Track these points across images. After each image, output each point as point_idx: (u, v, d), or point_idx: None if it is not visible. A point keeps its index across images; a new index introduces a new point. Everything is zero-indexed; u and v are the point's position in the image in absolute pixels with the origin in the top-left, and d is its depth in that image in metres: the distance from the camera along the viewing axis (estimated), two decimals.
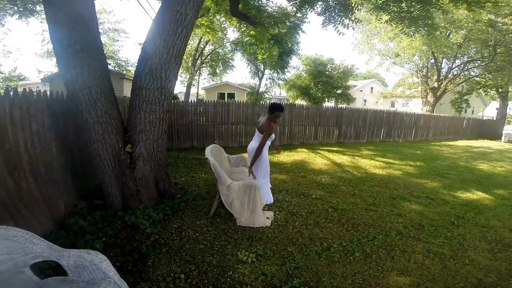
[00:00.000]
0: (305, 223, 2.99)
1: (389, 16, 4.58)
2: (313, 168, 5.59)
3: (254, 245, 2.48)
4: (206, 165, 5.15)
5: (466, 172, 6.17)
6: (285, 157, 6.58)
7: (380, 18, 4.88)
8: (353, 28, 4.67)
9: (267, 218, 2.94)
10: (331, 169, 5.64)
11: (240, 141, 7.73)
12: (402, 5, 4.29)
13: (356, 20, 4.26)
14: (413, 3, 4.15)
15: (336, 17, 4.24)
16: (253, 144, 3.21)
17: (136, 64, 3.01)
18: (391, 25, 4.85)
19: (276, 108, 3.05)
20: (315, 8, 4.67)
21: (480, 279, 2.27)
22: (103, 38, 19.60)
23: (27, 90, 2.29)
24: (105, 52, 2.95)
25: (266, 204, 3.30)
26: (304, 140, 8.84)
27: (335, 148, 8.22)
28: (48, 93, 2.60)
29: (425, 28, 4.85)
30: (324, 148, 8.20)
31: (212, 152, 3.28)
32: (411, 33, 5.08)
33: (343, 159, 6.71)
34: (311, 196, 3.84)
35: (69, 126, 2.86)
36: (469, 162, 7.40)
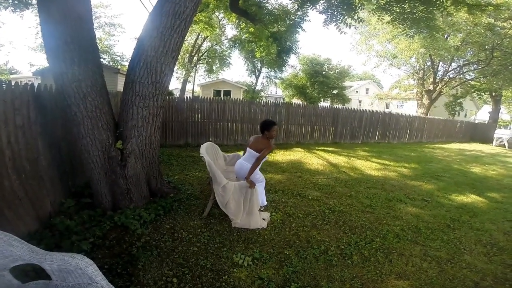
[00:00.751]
0: (302, 225, 2.93)
1: (391, 17, 4.53)
2: (309, 168, 5.54)
3: (250, 247, 2.40)
4: (201, 163, 5.04)
5: (459, 175, 6.23)
6: (281, 156, 6.52)
7: (382, 19, 4.83)
8: (355, 28, 4.59)
9: (263, 219, 2.87)
10: (327, 169, 5.60)
11: (236, 139, 7.64)
12: (405, 6, 4.24)
13: (359, 19, 4.19)
14: (416, 4, 4.11)
15: (339, 16, 4.16)
16: (244, 166, 2.90)
17: (132, 61, 2.88)
18: (393, 26, 4.81)
19: (272, 123, 2.94)
20: (317, 6, 4.58)
21: (477, 282, 2.28)
22: (99, 33, 19.16)
23: (12, 83, 2.16)
24: (100, 47, 2.83)
25: (261, 206, 3.22)
26: (300, 139, 8.80)
27: (330, 148, 8.21)
28: (36, 86, 2.46)
29: (427, 30, 4.82)
30: (320, 148, 8.18)
31: (207, 151, 3.18)
32: (412, 34, 5.06)
33: (339, 159, 6.69)
34: (308, 197, 3.79)
35: (58, 121, 2.72)
36: (462, 165, 7.48)
